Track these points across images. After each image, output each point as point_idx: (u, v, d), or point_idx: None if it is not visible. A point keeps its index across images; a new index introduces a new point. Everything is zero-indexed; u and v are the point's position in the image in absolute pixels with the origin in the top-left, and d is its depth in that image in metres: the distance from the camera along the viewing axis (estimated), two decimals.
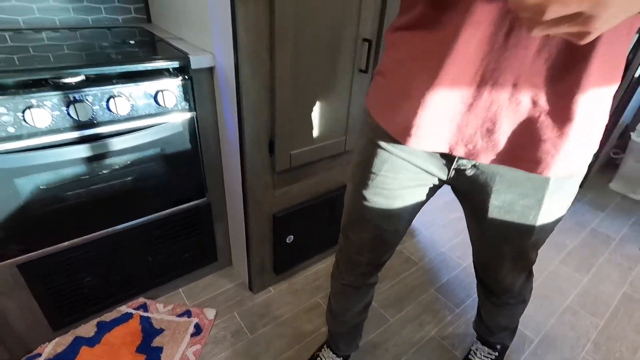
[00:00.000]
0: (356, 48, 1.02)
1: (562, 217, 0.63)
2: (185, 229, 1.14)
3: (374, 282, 0.86)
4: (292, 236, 1.23)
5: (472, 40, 0.44)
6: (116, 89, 0.81)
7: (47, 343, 1.02)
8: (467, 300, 1.33)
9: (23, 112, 0.72)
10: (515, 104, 0.47)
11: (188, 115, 0.95)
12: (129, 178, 0.94)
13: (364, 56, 1.05)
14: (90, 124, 0.81)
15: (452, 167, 0.59)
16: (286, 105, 0.96)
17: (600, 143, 1.97)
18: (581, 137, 0.49)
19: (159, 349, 1.04)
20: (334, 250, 1.37)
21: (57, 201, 0.85)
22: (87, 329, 1.07)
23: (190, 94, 0.94)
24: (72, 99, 0.76)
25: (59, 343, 1.03)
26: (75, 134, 0.80)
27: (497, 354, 1.06)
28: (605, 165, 2.38)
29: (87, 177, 0.87)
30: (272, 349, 1.10)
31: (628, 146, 2.07)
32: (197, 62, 0.91)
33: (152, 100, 0.87)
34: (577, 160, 0.52)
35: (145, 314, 1.14)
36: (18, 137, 0.74)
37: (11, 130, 0.72)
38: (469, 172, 0.59)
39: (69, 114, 0.77)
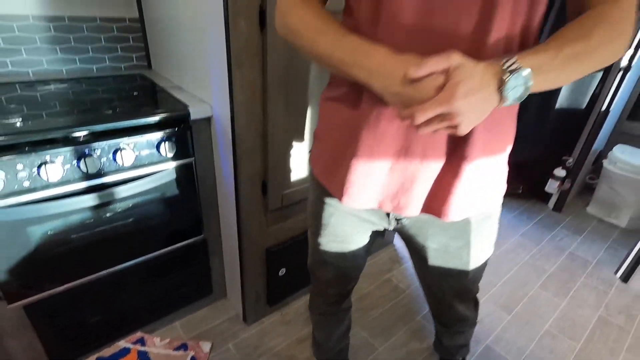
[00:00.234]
0: None
1: (492, 252, 0.72)
2: (182, 264, 1.20)
3: (348, 306, 0.96)
4: (284, 269, 1.29)
5: (383, 117, 0.53)
6: (122, 142, 0.89)
7: None
8: None
9: (38, 167, 0.79)
10: (426, 166, 0.56)
11: (187, 161, 1.03)
12: (131, 219, 1.00)
13: None
14: (98, 174, 0.88)
15: (390, 218, 0.68)
16: (278, 150, 1.04)
17: (575, 169, 2.09)
18: (476, 190, 0.58)
19: None
20: None
21: (63, 244, 0.91)
22: None
23: (189, 141, 1.02)
24: (82, 153, 0.84)
25: None
26: (83, 184, 0.87)
27: None
28: (582, 190, 2.50)
29: (92, 220, 0.94)
30: None
31: (601, 173, 2.20)
32: (196, 113, 1.00)
33: (155, 150, 0.95)
34: (478, 207, 0.61)
35: (143, 348, 1.18)
36: (32, 190, 0.81)
37: (26, 184, 0.79)
38: (405, 221, 0.67)
39: (79, 167, 0.84)
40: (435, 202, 0.59)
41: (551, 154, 2.20)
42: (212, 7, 0.85)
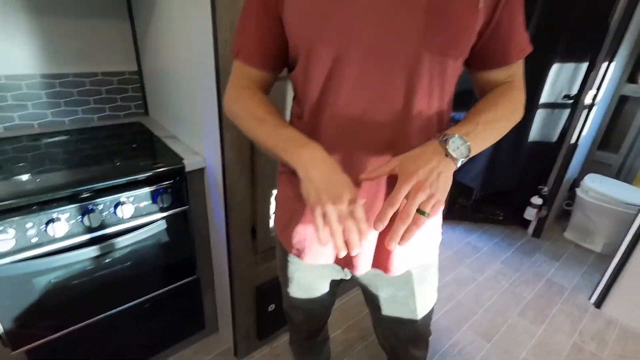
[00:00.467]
0: None
1: (436, 299, 0.81)
2: (176, 303, 1.27)
3: (324, 339, 1.05)
4: (273, 305, 1.36)
5: None
6: (123, 196, 0.97)
7: None
8: (433, 357, 1.46)
9: (46, 224, 0.87)
10: (372, 232, 0.65)
11: (182, 209, 1.12)
12: (128, 264, 1.07)
13: None
14: (100, 227, 0.96)
15: (345, 270, 0.77)
16: (266, 197, 1.14)
17: (551, 198, 2.20)
18: (414, 246, 0.68)
19: None
20: None
21: (65, 291, 0.98)
22: None
23: (184, 191, 1.10)
24: (86, 209, 0.92)
25: None
26: (86, 237, 0.95)
27: None
28: (560, 215, 2.62)
29: (92, 267, 1.01)
30: None
31: (575, 200, 2.32)
32: (191, 165, 1.09)
33: (153, 201, 1.04)
34: (418, 260, 0.71)
35: None
36: (39, 245, 0.88)
37: (34, 240, 0.87)
38: (358, 274, 0.76)
39: (82, 222, 0.92)
40: (381, 259, 0.69)
41: (528, 182, 2.32)
42: (205, 71, 0.95)
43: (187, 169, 1.08)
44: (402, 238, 0.47)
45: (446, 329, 1.60)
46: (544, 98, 2.00)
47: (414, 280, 0.74)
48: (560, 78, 1.97)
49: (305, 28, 0.56)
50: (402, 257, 0.68)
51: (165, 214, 1.08)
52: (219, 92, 0.94)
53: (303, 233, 0.69)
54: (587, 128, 2.10)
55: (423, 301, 0.77)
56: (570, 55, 1.91)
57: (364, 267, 0.69)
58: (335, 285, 0.85)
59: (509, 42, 0.59)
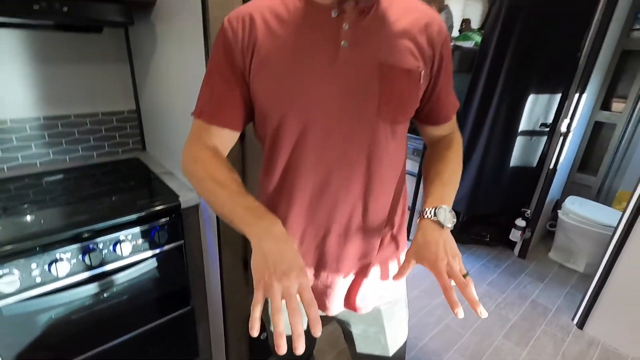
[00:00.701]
0: None
1: (407, 334, 0.87)
2: (171, 333, 1.31)
3: None
4: (265, 333, 1.41)
5: (303, 240, 0.71)
6: (122, 234, 1.04)
7: None
8: None
9: (49, 265, 0.92)
10: (341, 276, 0.73)
11: (178, 244, 1.18)
12: (124, 297, 1.12)
13: None
14: (100, 265, 1.01)
15: None
16: None
17: (534, 220, 2.29)
18: (381, 284, 0.76)
19: None
20: None
21: (64, 325, 1.02)
22: None
23: (180, 227, 1.17)
24: (87, 248, 0.98)
25: None
26: (87, 274, 1.00)
27: None
28: (545, 235, 2.71)
29: (90, 302, 1.06)
30: None
31: (557, 222, 2.41)
32: (186, 202, 1.16)
33: (150, 238, 1.10)
34: (385, 297, 0.78)
35: None
36: (42, 284, 0.93)
37: (38, 280, 0.92)
38: (331, 314, 0.82)
39: (84, 260, 0.98)
40: (350, 299, 0.76)
41: (512, 205, 2.41)
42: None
43: (183, 205, 1.15)
44: (475, 298, 0.56)
45: (435, 353, 1.65)
46: (522, 126, 2.11)
47: (383, 316, 0.80)
48: (536, 108, 2.09)
49: (275, 103, 0.62)
50: (369, 296, 0.76)
51: (161, 249, 1.14)
52: None
53: None
54: (564, 154, 2.21)
55: (394, 337, 0.83)
56: (544, 87, 2.04)
57: (336, 308, 0.76)
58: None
59: (446, 102, 0.73)
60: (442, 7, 2.64)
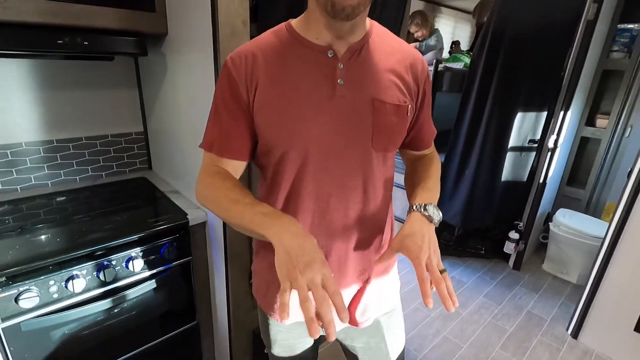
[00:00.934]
0: None
1: (404, 341, 0.92)
2: (177, 347, 1.34)
3: None
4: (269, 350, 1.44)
5: None
6: (134, 251, 1.09)
7: None
8: None
9: (66, 282, 0.97)
10: (343, 296, 0.78)
11: (186, 259, 1.23)
12: (133, 313, 1.16)
13: None
14: (113, 281, 1.06)
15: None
16: None
17: (527, 232, 2.36)
18: (379, 298, 0.82)
19: None
20: None
21: (76, 340, 1.06)
22: None
23: (187, 243, 1.22)
24: (102, 265, 1.03)
25: None
26: (101, 290, 1.04)
27: None
28: (538, 247, 2.78)
29: (102, 318, 1.10)
30: None
31: (549, 234, 2.49)
32: (194, 220, 1.21)
33: (160, 254, 1.15)
34: (383, 308, 0.83)
35: None
36: (59, 301, 0.98)
37: (55, 296, 0.97)
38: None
39: (98, 277, 1.02)
40: (351, 316, 0.81)
41: (505, 218, 2.49)
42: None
43: (191, 223, 1.21)
44: (450, 295, 0.60)
45: None
46: (512, 142, 2.21)
47: (383, 327, 0.86)
48: (524, 125, 2.19)
49: (278, 139, 0.67)
50: (369, 309, 0.81)
51: (170, 265, 1.19)
52: None
53: (280, 300, 0.78)
54: (553, 168, 2.30)
55: (394, 344, 0.89)
56: (531, 105, 2.15)
57: (337, 326, 0.80)
58: (317, 341, 0.95)
59: (428, 130, 0.83)
60: (432, 31, 2.78)
